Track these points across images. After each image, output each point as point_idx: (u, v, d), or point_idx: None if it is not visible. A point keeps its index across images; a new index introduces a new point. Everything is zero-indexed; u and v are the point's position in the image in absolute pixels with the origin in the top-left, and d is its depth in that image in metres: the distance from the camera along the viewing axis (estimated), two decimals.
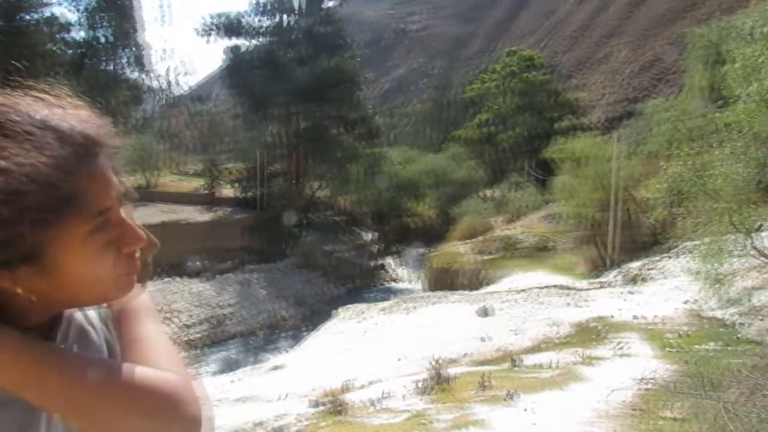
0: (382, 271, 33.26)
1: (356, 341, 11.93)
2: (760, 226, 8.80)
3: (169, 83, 46.62)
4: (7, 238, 0.62)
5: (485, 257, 24.00)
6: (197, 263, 26.58)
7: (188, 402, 0.73)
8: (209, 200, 33.48)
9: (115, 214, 0.71)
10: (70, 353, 0.75)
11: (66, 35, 31.66)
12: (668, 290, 12.83)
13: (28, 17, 27.92)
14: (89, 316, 0.85)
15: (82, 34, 32.81)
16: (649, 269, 15.05)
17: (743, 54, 8.60)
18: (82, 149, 0.67)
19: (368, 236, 34.31)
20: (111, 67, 34.02)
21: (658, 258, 15.45)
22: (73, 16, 32.79)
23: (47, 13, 29.82)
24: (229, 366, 16.60)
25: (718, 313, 10.17)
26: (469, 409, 5.52)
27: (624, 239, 19.43)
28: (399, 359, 9.64)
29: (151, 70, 37.98)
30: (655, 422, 5.04)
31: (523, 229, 27.19)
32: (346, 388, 7.45)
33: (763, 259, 8.96)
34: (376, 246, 34.94)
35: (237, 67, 34.85)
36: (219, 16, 36.63)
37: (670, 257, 14.72)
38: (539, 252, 24.00)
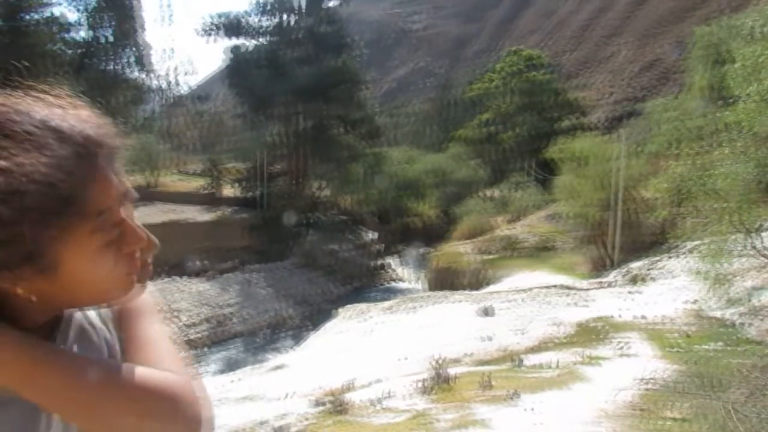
0: (384, 271, 33.27)
1: (358, 341, 11.92)
2: (762, 226, 8.76)
3: (170, 83, 46.71)
4: (8, 239, 0.62)
5: (487, 257, 23.98)
6: (199, 263, 26.62)
7: (189, 402, 0.73)
8: (211, 200, 33.52)
9: (115, 214, 0.71)
10: (70, 353, 0.75)
11: (67, 35, 31.73)
12: (670, 290, 12.80)
13: (29, 17, 27.99)
14: (89, 317, 0.85)
15: (84, 34, 32.88)
16: (651, 269, 15.02)
17: (744, 54, 8.58)
18: (82, 149, 0.66)
19: (370, 236, 34.31)
20: (112, 67, 34.09)
21: (660, 258, 15.41)
22: (74, 16, 32.93)
23: (48, 13, 29.90)
24: (231, 366, 16.62)
25: (720, 313, 10.14)
26: (471, 409, 5.51)
27: (626, 239, 19.39)
28: (401, 359, 9.63)
29: (153, 70, 38.12)
30: (657, 422, 5.02)
31: (525, 228, 27.16)
32: (347, 388, 7.44)
33: (764, 259, 8.92)
34: (378, 246, 34.95)
35: (238, 67, 34.87)
36: (220, 15, 36.68)
37: (672, 257, 14.68)
38: (541, 252, 23.97)
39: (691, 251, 12.84)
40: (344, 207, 38.46)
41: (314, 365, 10.49)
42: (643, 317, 10.77)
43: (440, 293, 16.53)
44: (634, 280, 15.01)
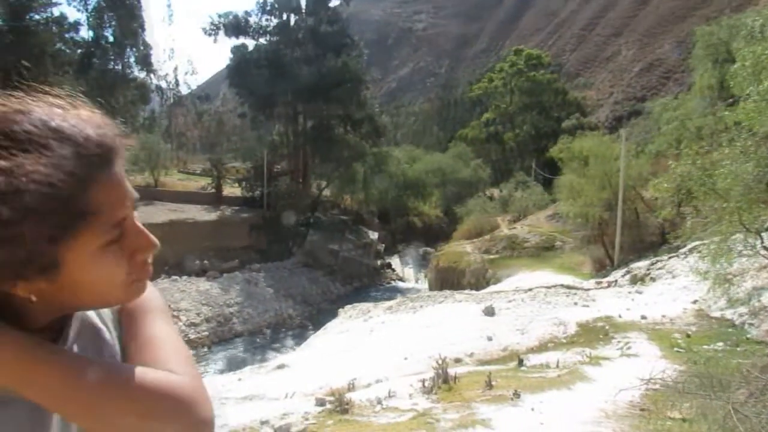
0: (387, 270, 33.29)
1: (361, 340, 11.93)
2: (764, 225, 8.73)
3: (175, 82, 46.84)
4: (8, 239, 0.61)
5: (490, 256, 23.97)
6: (201, 262, 26.67)
7: (194, 402, 0.73)
8: (215, 199, 33.58)
9: (129, 223, 0.71)
10: (72, 354, 0.75)
11: (74, 35, 31.80)
12: (675, 290, 12.77)
13: (36, 17, 28.06)
14: (102, 314, 0.85)
15: (90, 33, 32.98)
16: (653, 269, 14.98)
17: (745, 54, 8.55)
18: (82, 149, 0.66)
19: (373, 235, 34.33)
20: (118, 67, 34.17)
21: (665, 257, 15.37)
22: (80, 16, 32.99)
23: (55, 13, 29.96)
24: (235, 364, 16.64)
25: (726, 314, 10.11)
26: (474, 409, 5.51)
27: (631, 239, 19.36)
28: (404, 358, 9.63)
29: (155, 70, 38.18)
30: (662, 423, 5.01)
31: (528, 228, 27.14)
32: (351, 387, 7.44)
33: (766, 259, 8.89)
34: (380, 245, 34.96)
35: (243, 67, 34.91)
36: (225, 15, 36.73)
37: (677, 257, 14.64)
38: (545, 251, 23.95)
39: (693, 251, 12.82)
40: (346, 207, 38.49)
41: (316, 365, 10.50)
42: (646, 317, 10.75)
43: (442, 293, 16.51)
44: (636, 280, 14.98)
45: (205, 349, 19.48)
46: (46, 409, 0.69)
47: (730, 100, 14.83)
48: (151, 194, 30.58)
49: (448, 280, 22.79)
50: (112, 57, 33.88)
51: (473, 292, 16.84)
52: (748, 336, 8.80)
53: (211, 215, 30.31)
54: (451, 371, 6.88)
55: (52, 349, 0.70)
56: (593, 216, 19.59)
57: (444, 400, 5.97)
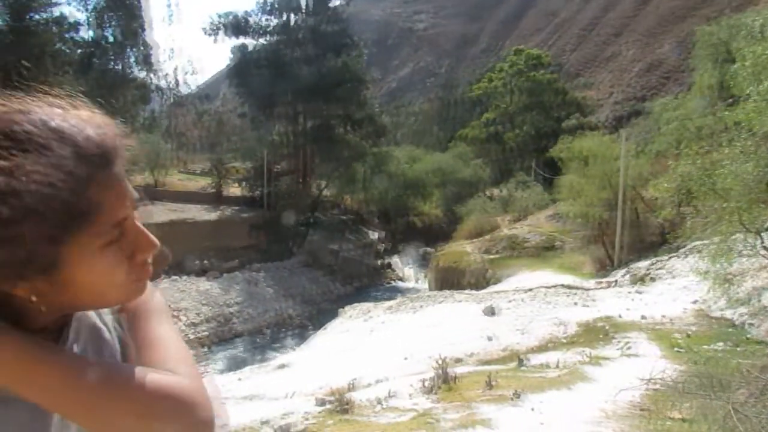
0: (388, 270, 33.29)
1: (362, 340, 11.93)
2: (765, 225, 8.72)
3: (176, 82, 46.78)
4: (8, 239, 0.61)
5: (491, 256, 23.96)
6: (202, 262, 26.68)
7: (195, 403, 0.72)
8: (216, 199, 33.59)
9: (130, 223, 0.71)
10: (71, 354, 0.75)
11: (74, 34, 31.82)
12: (676, 290, 12.77)
13: (37, 17, 28.07)
14: (102, 314, 0.85)
15: (90, 33, 32.99)
16: (656, 269, 14.97)
17: (747, 53, 8.54)
18: (98, 160, 0.66)
19: (374, 235, 34.35)
20: (119, 67, 34.19)
21: (665, 258, 15.36)
22: (81, 16, 32.98)
23: (56, 13, 29.96)
24: (236, 364, 16.65)
25: (727, 314, 10.11)
26: (475, 409, 5.51)
27: (631, 239, 19.35)
28: (405, 358, 9.64)
29: (159, 70, 38.20)
30: (662, 423, 5.01)
31: (529, 228, 27.12)
32: (352, 387, 7.45)
33: None
34: (382, 245, 34.97)
35: (244, 67, 34.93)
36: (226, 15, 36.73)
37: (678, 257, 14.63)
38: (545, 251, 23.93)
39: (698, 251, 12.79)
40: (347, 206, 38.49)
41: (317, 364, 10.51)
42: (646, 317, 10.75)
43: (443, 293, 16.52)
44: (640, 280, 14.97)
45: (206, 349, 19.49)
46: (46, 410, 0.69)
47: (731, 100, 14.82)
48: (152, 194, 30.58)
49: (449, 280, 22.78)
50: (113, 57, 33.91)
51: (474, 292, 16.84)
52: (749, 336, 8.80)
53: (212, 215, 30.33)
54: (452, 371, 6.89)
55: (52, 350, 0.70)
56: (594, 216, 19.59)
57: (444, 400, 5.98)
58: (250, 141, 37.66)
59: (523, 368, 7.80)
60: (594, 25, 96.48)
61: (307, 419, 5.52)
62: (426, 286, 27.03)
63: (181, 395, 0.71)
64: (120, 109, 28.56)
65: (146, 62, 35.06)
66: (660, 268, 14.85)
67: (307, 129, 36.42)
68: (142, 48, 34.35)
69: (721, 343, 8.45)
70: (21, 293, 0.67)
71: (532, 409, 5.48)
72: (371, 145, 36.96)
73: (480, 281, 21.20)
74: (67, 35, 30.93)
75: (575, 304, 12.75)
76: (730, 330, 9.36)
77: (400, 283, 31.32)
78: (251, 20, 36.54)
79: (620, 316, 11.02)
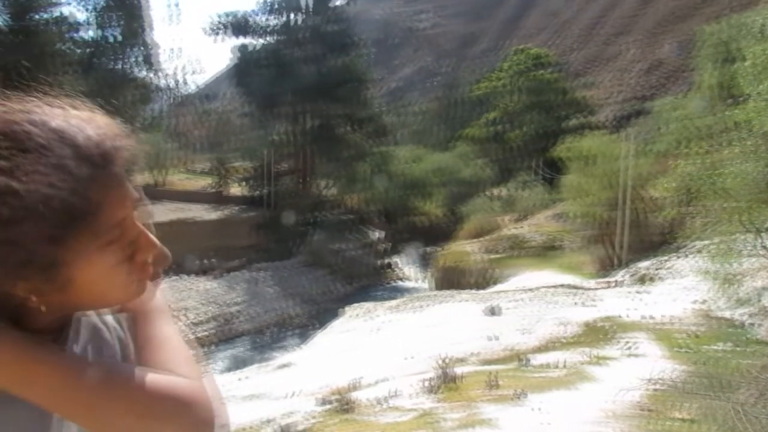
0: (390, 270, 33.27)
1: (364, 340, 11.93)
2: None
3: (177, 82, 46.80)
4: (7, 240, 0.61)
5: (493, 256, 23.93)
6: (205, 261, 26.71)
7: (197, 403, 0.72)
8: (217, 199, 33.63)
9: (130, 223, 0.70)
10: (71, 354, 0.75)
11: (75, 35, 31.89)
12: (678, 290, 12.74)
13: (38, 17, 28.14)
14: (102, 314, 0.85)
15: (92, 33, 33.05)
16: (658, 269, 14.94)
17: (753, 52, 8.50)
18: (98, 160, 0.65)
19: (376, 235, 34.33)
20: (120, 66, 34.25)
21: (667, 258, 15.33)
22: (82, 16, 33.03)
23: (57, 13, 30.03)
24: (238, 364, 16.67)
25: (728, 314, 10.08)
26: (477, 409, 5.50)
27: (633, 238, 19.30)
28: (406, 358, 9.63)
29: (160, 69, 38.23)
30: (664, 422, 5.00)
31: (531, 228, 27.08)
32: (353, 387, 7.45)
33: None
34: (384, 245, 34.95)
35: (245, 66, 34.96)
36: (227, 15, 36.78)
37: (679, 257, 14.59)
38: (547, 251, 23.89)
39: (699, 251, 12.75)
40: (350, 206, 38.47)
41: (320, 364, 10.51)
42: (651, 317, 10.72)
43: (446, 292, 16.52)
44: (641, 280, 14.94)
45: (210, 348, 19.51)
46: (46, 410, 0.69)
47: (732, 100, 14.76)
48: (155, 193, 30.61)
49: (452, 279, 22.76)
50: (114, 57, 33.98)
51: (476, 292, 16.83)
52: (751, 336, 8.77)
53: (214, 215, 30.37)
54: (454, 371, 6.88)
55: (52, 350, 0.70)
56: (596, 216, 19.55)
57: (447, 400, 5.97)
58: (251, 141, 37.69)
59: (525, 368, 7.78)
60: (596, 25, 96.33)
61: (309, 419, 5.53)
62: (428, 285, 27.02)
63: (181, 395, 0.71)
64: (121, 109, 28.59)
65: (147, 62, 35.14)
66: (662, 268, 14.82)
67: (309, 129, 36.43)
68: (143, 48, 34.42)
69: (722, 343, 8.43)
70: (21, 293, 0.66)
71: (536, 409, 5.47)
72: (373, 145, 36.95)
73: (482, 281, 21.18)
74: (68, 35, 31.00)
75: (577, 304, 12.73)
76: (732, 330, 9.34)
77: (402, 283, 31.30)
78: (253, 20, 36.59)
79: (624, 316, 10.99)
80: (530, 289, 14.96)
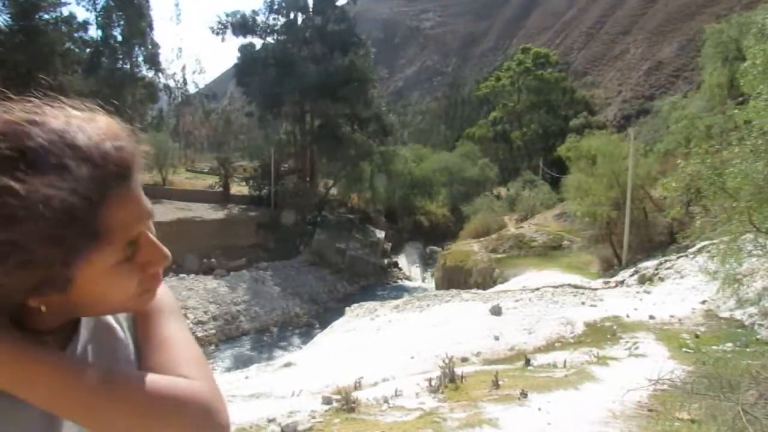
0: (394, 269, 33.30)
1: (368, 339, 11.93)
2: None
3: (183, 81, 47.01)
4: (26, 257, 0.61)
5: (498, 255, 23.90)
6: (210, 260, 26.79)
7: (212, 410, 0.73)
8: (222, 198, 33.72)
9: (144, 238, 0.71)
10: (70, 355, 0.75)
11: (83, 34, 32.06)
12: (684, 290, 12.68)
13: (46, 16, 28.29)
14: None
15: (99, 32, 33.23)
16: (664, 269, 14.87)
17: (756, 52, 8.46)
18: (99, 160, 0.65)
19: (380, 234, 34.36)
20: (126, 66, 34.41)
21: (673, 257, 15.26)
22: (89, 15, 33.22)
23: (65, 12, 30.21)
24: (242, 362, 16.71)
25: (736, 314, 10.03)
26: (481, 408, 5.49)
27: (639, 238, 19.24)
28: (411, 357, 9.63)
29: (163, 69, 38.39)
30: (670, 423, 4.98)
31: (536, 227, 27.03)
32: (357, 386, 7.45)
33: None
34: (387, 244, 34.96)
35: (250, 65, 35.01)
36: (232, 14, 36.84)
37: (686, 257, 14.53)
38: (552, 250, 23.85)
39: (702, 251, 12.72)
40: (353, 205, 38.52)
41: (323, 363, 10.51)
42: (654, 317, 10.68)
43: (451, 292, 16.49)
44: (644, 280, 14.88)
45: (213, 347, 19.56)
46: (46, 410, 0.68)
47: (740, 98, 14.70)
48: (159, 193, 30.75)
49: (455, 279, 22.75)
50: (121, 56, 34.13)
51: (480, 291, 16.80)
52: (758, 337, 8.73)
53: (219, 214, 30.45)
54: (458, 370, 6.87)
55: (51, 351, 0.70)
56: (601, 215, 19.48)
57: (451, 400, 5.96)
58: (256, 140, 37.79)
59: (529, 368, 7.77)
60: (601, 24, 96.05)
61: (313, 418, 5.53)
62: (432, 285, 27.02)
63: (181, 396, 0.71)
64: (127, 108, 28.72)
65: (153, 61, 35.28)
66: (668, 268, 14.75)
67: (313, 128, 36.48)
68: (149, 47, 34.55)
69: (729, 344, 8.39)
70: (32, 304, 0.67)
71: (539, 409, 5.46)
72: (378, 144, 36.97)
73: (486, 280, 21.16)
74: (75, 34, 31.16)
75: (582, 303, 12.69)
76: (739, 330, 9.29)
77: (406, 282, 31.32)
78: (258, 19, 36.65)
79: (628, 316, 10.95)
80: (535, 289, 14.93)
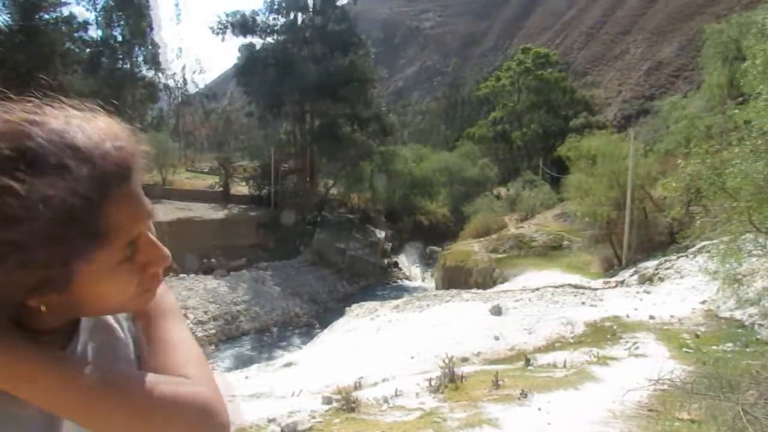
0: (395, 269, 33.30)
1: (369, 339, 11.94)
2: None
3: (183, 81, 47.04)
4: (25, 257, 0.61)
5: (498, 255, 23.90)
6: (211, 260, 26.80)
7: (215, 412, 0.73)
8: (223, 197, 33.72)
9: (144, 238, 0.71)
10: (69, 355, 0.75)
11: (83, 34, 32.06)
12: (685, 290, 12.68)
13: (46, 16, 28.29)
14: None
15: (99, 32, 33.25)
16: (665, 269, 14.86)
17: (756, 52, 8.46)
18: (115, 179, 0.65)
19: (380, 234, 34.36)
20: (127, 65, 34.42)
21: (674, 257, 15.25)
22: (90, 15, 33.24)
23: (65, 12, 30.20)
24: (243, 362, 16.71)
25: (736, 314, 10.03)
26: (482, 408, 5.50)
27: (639, 238, 19.24)
28: (411, 357, 9.63)
29: (164, 69, 38.40)
30: (670, 423, 4.98)
31: (536, 227, 27.03)
32: (358, 386, 7.45)
33: None
34: (388, 244, 34.96)
35: (251, 65, 35.01)
36: (233, 14, 36.83)
37: (686, 257, 14.53)
38: (553, 251, 23.85)
39: (707, 251, 12.71)
40: (353, 205, 38.53)
41: (323, 363, 10.52)
42: (654, 317, 10.68)
43: (451, 291, 16.50)
44: (644, 280, 14.88)
45: (213, 347, 19.56)
46: (46, 410, 0.68)
47: (740, 98, 14.70)
48: (159, 193, 30.74)
49: (455, 279, 22.75)
50: (121, 56, 34.14)
51: (480, 291, 16.80)
52: (758, 337, 8.73)
53: (219, 213, 30.45)
54: (458, 370, 6.87)
55: (50, 351, 0.70)
56: (601, 215, 19.48)
57: (451, 399, 5.96)
58: (257, 140, 37.79)
59: (530, 368, 7.77)
60: (601, 24, 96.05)
61: (313, 417, 5.53)
62: (432, 285, 27.02)
63: (181, 396, 0.71)
64: (128, 108, 28.73)
65: (154, 61, 35.29)
66: (668, 268, 14.75)
67: (314, 128, 36.48)
68: (149, 47, 34.56)
69: (730, 344, 8.39)
70: (32, 304, 0.67)
71: (539, 409, 5.46)
72: (378, 144, 36.97)
73: (487, 280, 21.16)
74: (76, 34, 31.16)
75: (582, 303, 12.69)
76: (739, 330, 9.29)
77: (406, 282, 31.33)
78: (258, 19, 36.62)
79: (628, 316, 10.95)
80: (535, 289, 14.93)
